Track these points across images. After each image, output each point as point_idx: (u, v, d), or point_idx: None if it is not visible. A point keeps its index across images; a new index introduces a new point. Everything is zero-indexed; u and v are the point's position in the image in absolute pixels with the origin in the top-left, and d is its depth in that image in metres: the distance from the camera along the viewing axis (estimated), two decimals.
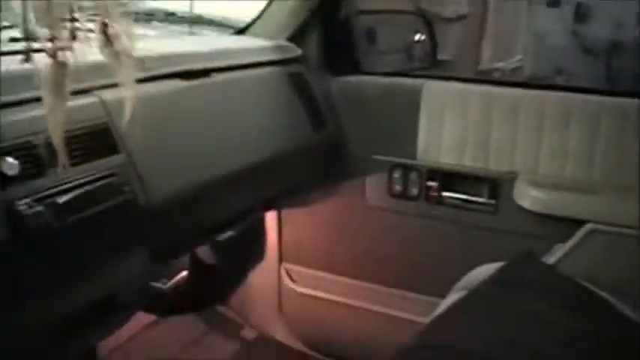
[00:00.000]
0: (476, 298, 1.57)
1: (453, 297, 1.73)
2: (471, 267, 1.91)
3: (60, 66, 0.91)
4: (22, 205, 1.13)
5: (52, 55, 0.89)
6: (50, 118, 0.95)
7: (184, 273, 2.37)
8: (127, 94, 1.00)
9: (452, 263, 1.99)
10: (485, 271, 1.80)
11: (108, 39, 0.92)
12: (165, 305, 2.39)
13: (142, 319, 2.40)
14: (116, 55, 0.94)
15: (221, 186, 1.66)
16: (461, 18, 5.34)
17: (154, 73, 1.57)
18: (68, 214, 1.20)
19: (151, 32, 2.42)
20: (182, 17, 2.52)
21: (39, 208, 1.14)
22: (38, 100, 1.02)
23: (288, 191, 2.15)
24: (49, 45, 0.89)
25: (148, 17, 2.46)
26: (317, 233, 2.35)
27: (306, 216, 2.35)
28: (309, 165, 2.13)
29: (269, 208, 2.25)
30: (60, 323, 1.30)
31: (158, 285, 2.20)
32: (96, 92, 1.35)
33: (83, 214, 1.23)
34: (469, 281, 1.82)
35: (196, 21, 2.45)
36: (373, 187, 2.18)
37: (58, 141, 1.02)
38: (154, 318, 2.48)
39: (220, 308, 2.63)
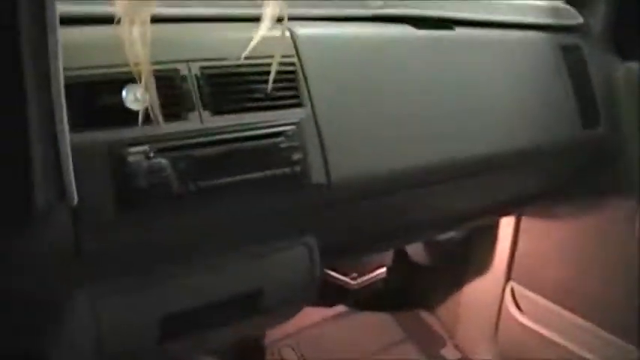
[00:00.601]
0: None
1: None
2: None
3: None
4: (139, 154, 0.87)
5: None
6: (126, 25, 0.68)
7: (383, 269, 2.07)
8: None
9: None
10: None
11: None
12: (353, 301, 2.19)
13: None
14: None
15: (439, 176, 1.30)
16: None
17: (375, 12, 1.25)
18: (210, 176, 0.93)
19: None
20: None
21: (162, 161, 0.88)
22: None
23: (534, 196, 1.77)
24: None
25: None
26: (560, 255, 1.95)
27: (552, 231, 1.95)
28: (569, 168, 1.72)
29: (505, 212, 1.90)
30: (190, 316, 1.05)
31: (345, 279, 1.98)
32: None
33: (232, 178, 0.95)
34: None
35: None
36: None
37: (141, 71, 0.75)
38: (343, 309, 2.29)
39: (424, 315, 2.37)
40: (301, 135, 1.03)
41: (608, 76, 1.71)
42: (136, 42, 0.71)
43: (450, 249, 2.10)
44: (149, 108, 0.82)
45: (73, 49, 0.79)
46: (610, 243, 1.80)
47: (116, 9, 0.72)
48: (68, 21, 0.86)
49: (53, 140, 0.72)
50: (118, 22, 0.90)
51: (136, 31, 0.70)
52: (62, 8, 0.70)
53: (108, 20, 0.92)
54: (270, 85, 0.97)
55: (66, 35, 0.71)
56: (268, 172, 0.98)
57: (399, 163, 1.19)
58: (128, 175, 0.85)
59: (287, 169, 1.00)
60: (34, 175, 0.71)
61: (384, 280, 2.15)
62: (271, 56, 0.95)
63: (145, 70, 0.76)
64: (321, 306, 2.16)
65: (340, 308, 2.25)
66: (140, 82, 0.78)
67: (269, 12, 0.78)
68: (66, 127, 0.72)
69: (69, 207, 0.80)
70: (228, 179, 0.94)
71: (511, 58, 1.48)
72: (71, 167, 0.73)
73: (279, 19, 0.83)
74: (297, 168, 1.02)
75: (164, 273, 0.98)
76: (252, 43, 0.85)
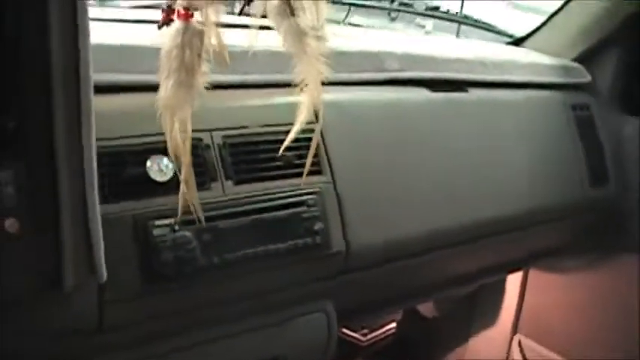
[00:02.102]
0: None
1: None
2: None
3: (194, 33, 0.59)
4: (162, 227, 0.86)
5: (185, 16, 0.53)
6: (167, 105, 0.68)
7: (393, 324, 2.02)
8: (312, 94, 0.75)
9: None
10: None
11: (289, 8, 0.55)
12: (364, 357, 2.11)
13: None
14: (298, 33, 0.56)
15: (454, 239, 1.29)
16: None
17: (392, 75, 1.25)
18: (233, 248, 0.92)
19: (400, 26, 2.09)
20: (446, 14, 2.10)
21: (187, 234, 0.87)
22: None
23: (543, 253, 1.75)
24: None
25: (404, 9, 2.09)
26: (567, 309, 1.93)
27: (559, 285, 1.94)
28: (577, 226, 1.69)
29: (514, 269, 1.86)
30: None
31: (356, 335, 1.93)
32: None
33: (255, 249, 0.94)
34: None
35: (463, 21, 2.02)
36: None
37: (178, 144, 0.74)
38: None
39: None
40: (322, 203, 1.03)
41: (617, 133, 1.70)
42: (176, 133, 0.71)
43: (458, 302, 2.06)
44: (187, 197, 0.82)
45: (98, 118, 0.79)
46: (616, 298, 1.79)
47: (159, 103, 0.71)
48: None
49: (84, 217, 0.71)
50: (141, 90, 0.90)
51: (176, 125, 0.70)
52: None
53: (130, 89, 0.93)
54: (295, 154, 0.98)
55: None
56: (290, 243, 0.97)
57: (415, 228, 1.19)
58: (154, 249, 0.85)
59: (308, 240, 0.99)
60: (64, 251, 0.70)
61: (394, 335, 2.11)
62: (291, 124, 0.93)
63: (186, 160, 0.75)
64: None
65: None
66: (179, 172, 0.78)
67: (308, 98, 0.77)
68: (97, 201, 0.71)
69: (95, 282, 0.80)
70: (251, 250, 0.93)
71: (522, 117, 1.48)
72: (102, 244, 0.73)
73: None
74: (318, 238, 1.01)
75: (184, 341, 0.97)
76: (303, 114, 0.83)
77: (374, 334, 1.99)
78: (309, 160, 0.90)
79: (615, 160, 1.68)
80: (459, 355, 2.21)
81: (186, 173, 0.75)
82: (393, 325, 2.08)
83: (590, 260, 1.83)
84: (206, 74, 0.69)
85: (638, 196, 1.68)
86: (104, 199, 0.80)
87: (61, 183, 0.69)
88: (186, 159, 0.74)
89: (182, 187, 0.79)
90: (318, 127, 0.89)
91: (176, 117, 0.69)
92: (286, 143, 0.90)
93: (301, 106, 0.82)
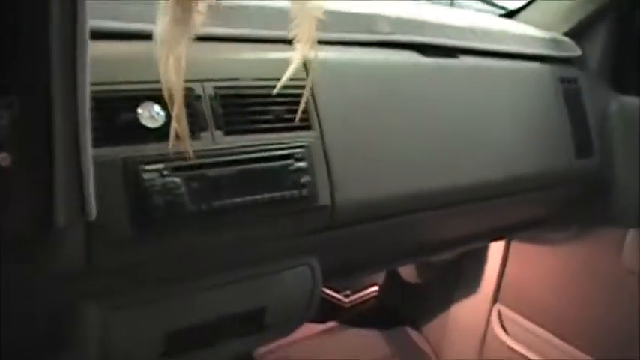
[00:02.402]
0: None
1: None
2: None
3: None
4: (152, 172, 0.87)
5: None
6: (163, 41, 0.68)
7: (375, 287, 2.04)
8: (304, 45, 0.75)
9: None
10: None
11: None
12: (345, 318, 2.10)
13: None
14: None
15: (439, 201, 1.30)
16: None
17: (383, 38, 1.25)
18: (221, 196, 0.93)
19: None
20: None
21: (176, 180, 0.88)
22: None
23: (526, 223, 1.76)
24: None
25: None
26: (548, 280, 1.96)
27: (540, 256, 1.96)
28: (561, 197, 1.70)
29: (497, 237, 1.89)
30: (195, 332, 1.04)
31: (338, 296, 1.91)
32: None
33: (242, 199, 0.96)
34: None
35: None
36: (634, 244, 1.72)
37: (172, 93, 0.75)
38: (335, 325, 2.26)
39: (412, 333, 2.35)
40: (310, 158, 1.04)
41: (604, 108, 1.71)
42: (171, 69, 0.72)
43: (441, 269, 2.08)
44: (179, 134, 0.83)
45: (91, 63, 0.80)
46: (597, 270, 1.81)
47: (156, 37, 0.72)
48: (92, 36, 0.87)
49: (76, 156, 0.72)
50: (136, 37, 0.91)
51: (171, 59, 0.71)
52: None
53: (124, 36, 0.94)
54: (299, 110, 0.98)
55: None
56: (277, 195, 0.99)
57: (401, 188, 1.20)
58: (143, 193, 0.86)
59: (295, 192, 1.01)
60: (56, 190, 0.71)
61: (376, 298, 2.13)
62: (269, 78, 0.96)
63: (178, 99, 0.76)
64: (313, 322, 2.14)
65: (330, 324, 2.23)
66: (171, 109, 0.78)
67: (301, 46, 0.78)
68: (89, 143, 0.72)
69: (84, 223, 0.81)
70: (239, 200, 0.94)
71: (510, 87, 1.49)
72: (92, 182, 0.73)
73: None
74: (304, 191, 1.02)
75: (172, 289, 0.98)
76: (292, 67, 0.85)
77: (356, 296, 2.01)
78: (300, 107, 0.92)
79: (601, 134, 1.69)
80: (440, 323, 2.24)
81: (178, 111, 0.76)
82: (376, 288, 2.11)
83: (573, 232, 1.85)
84: (201, 13, 0.69)
85: (621, 169, 1.70)
86: (95, 143, 0.79)
87: (55, 121, 0.69)
88: (178, 98, 0.75)
89: (173, 124, 0.80)
90: (309, 79, 0.90)
91: (171, 53, 0.70)
92: (276, 89, 0.91)
93: (293, 57, 0.82)
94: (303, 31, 0.78)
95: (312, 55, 0.82)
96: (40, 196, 0.72)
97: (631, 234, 1.72)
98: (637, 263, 1.71)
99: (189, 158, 0.86)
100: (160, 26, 0.70)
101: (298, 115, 0.96)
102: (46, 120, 0.69)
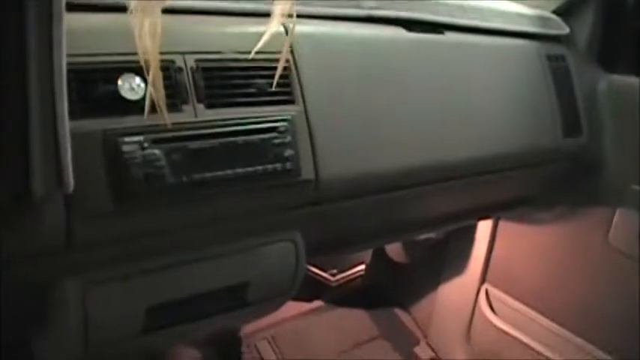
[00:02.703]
0: None
1: None
2: None
3: None
4: (132, 144, 0.86)
5: None
6: (139, 19, 0.67)
7: (362, 266, 2.04)
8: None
9: None
10: None
11: None
12: (331, 297, 2.09)
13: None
14: None
15: (424, 178, 1.30)
16: None
17: (368, 13, 1.25)
18: (202, 169, 0.93)
19: None
20: None
21: (156, 152, 0.87)
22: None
23: (513, 201, 1.76)
24: None
25: None
26: (535, 260, 1.95)
27: (528, 236, 1.95)
28: (549, 175, 1.70)
29: (484, 216, 1.87)
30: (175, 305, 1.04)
31: (325, 275, 1.89)
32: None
33: (223, 172, 0.95)
34: None
35: None
36: (621, 224, 1.70)
37: (149, 64, 0.74)
38: (321, 304, 2.26)
39: (399, 313, 2.36)
40: (293, 132, 1.03)
41: (591, 87, 1.70)
42: (146, 35, 0.71)
43: (428, 248, 2.08)
44: (155, 102, 0.81)
45: (71, 35, 0.76)
46: (585, 250, 1.80)
47: (131, 3, 0.71)
48: (69, 7, 0.86)
49: (53, 126, 0.71)
50: (118, 10, 0.89)
51: (147, 24, 0.70)
52: None
53: (104, 8, 0.92)
54: (275, 81, 0.97)
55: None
56: (259, 168, 0.98)
57: (385, 163, 1.19)
58: (123, 165, 0.85)
59: (278, 165, 1.00)
60: (33, 160, 0.70)
61: (362, 277, 2.13)
62: (266, 52, 0.93)
63: (154, 64, 0.75)
64: (299, 300, 2.14)
65: (317, 303, 2.23)
66: (147, 74, 0.77)
67: (279, 8, 0.77)
68: (66, 112, 0.71)
69: (63, 195, 0.80)
70: (220, 172, 0.94)
71: (497, 64, 1.47)
72: (69, 153, 0.72)
73: (289, 16, 0.82)
74: (288, 164, 1.01)
75: (152, 264, 0.97)
76: (264, 38, 0.84)
77: (343, 275, 2.01)
78: (277, 74, 0.92)
79: (589, 113, 1.68)
80: (427, 303, 2.25)
81: (154, 77, 0.75)
82: (362, 267, 2.10)
83: (560, 212, 1.85)
84: None
85: (610, 148, 1.70)
86: (74, 115, 0.79)
87: (31, 90, 0.68)
88: (154, 64, 0.74)
89: (149, 90, 0.79)
90: (285, 46, 0.89)
91: (147, 17, 0.69)
92: (251, 55, 0.91)
93: (272, 16, 0.81)
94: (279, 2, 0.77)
95: (290, 25, 0.81)
96: (17, 169, 0.71)
97: (619, 213, 1.71)
98: (624, 243, 1.70)
99: (171, 130, 0.85)
100: None
101: (275, 84, 0.95)
102: (21, 90, 0.68)
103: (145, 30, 0.70)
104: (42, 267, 0.89)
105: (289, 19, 0.81)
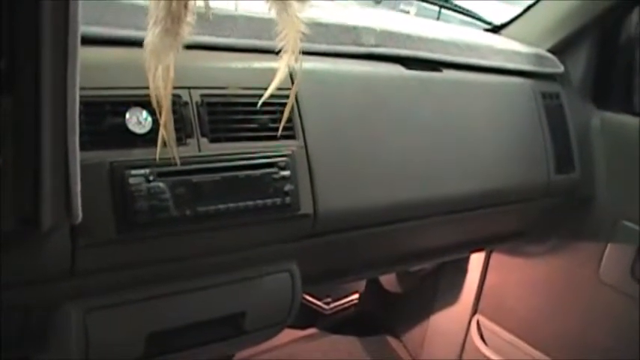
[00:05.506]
0: None
1: None
2: None
3: None
4: (138, 177, 0.88)
5: None
6: (153, 51, 0.69)
7: (356, 295, 2.05)
8: (289, 56, 0.76)
9: None
10: None
11: None
12: (325, 324, 2.09)
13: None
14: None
15: (419, 212, 1.33)
16: None
17: (368, 50, 1.27)
18: (205, 202, 0.95)
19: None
20: None
21: (161, 185, 0.89)
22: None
23: (506, 234, 1.78)
24: None
25: None
26: (527, 292, 1.95)
27: (520, 268, 1.96)
28: (541, 210, 1.72)
29: (477, 249, 1.90)
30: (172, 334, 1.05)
31: (319, 303, 1.90)
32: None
33: (226, 205, 0.97)
34: None
35: (444, 5, 2.00)
36: (613, 259, 1.72)
37: (160, 101, 0.76)
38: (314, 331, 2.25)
39: (391, 341, 2.35)
40: (293, 166, 1.05)
41: (584, 123, 1.73)
42: (159, 78, 0.73)
43: (421, 279, 2.08)
44: (166, 141, 0.83)
45: (80, 68, 0.79)
46: (575, 283, 1.81)
47: (146, 47, 0.73)
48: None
49: (64, 158, 0.73)
50: (125, 44, 0.92)
51: (161, 68, 0.72)
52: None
53: (111, 42, 0.95)
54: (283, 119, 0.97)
55: None
56: (259, 202, 1.00)
57: (382, 198, 1.22)
58: (129, 197, 0.87)
59: (277, 200, 1.02)
60: (43, 191, 0.71)
61: (356, 306, 2.13)
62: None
63: (166, 105, 0.78)
64: (294, 327, 2.14)
65: (311, 330, 2.23)
66: (159, 114, 0.79)
67: (291, 46, 0.79)
68: (77, 146, 0.73)
69: (69, 225, 0.82)
70: (222, 206, 0.96)
71: (493, 101, 1.50)
72: (79, 185, 0.74)
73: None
74: (287, 199, 1.04)
75: (153, 292, 0.99)
76: (278, 77, 0.85)
77: (337, 304, 2.01)
78: (285, 116, 0.93)
79: (581, 149, 1.71)
80: (420, 332, 2.24)
81: (166, 118, 0.77)
82: (356, 296, 2.11)
83: (552, 246, 1.86)
84: (190, 24, 0.71)
85: (602, 185, 1.72)
86: (82, 147, 0.80)
87: (44, 123, 0.70)
88: (166, 106, 0.76)
89: (161, 130, 0.81)
90: (293, 90, 0.92)
91: (160, 62, 0.71)
92: (263, 99, 0.91)
93: (279, 67, 0.83)
94: (289, 42, 0.79)
95: (297, 65, 0.84)
96: (27, 198, 0.72)
97: (609, 248, 1.72)
98: (615, 278, 1.72)
99: (176, 164, 0.87)
100: (149, 36, 0.71)
101: (282, 125, 0.97)
102: (35, 122, 0.70)
103: (159, 74, 0.72)
104: (45, 292, 0.91)
105: (296, 63, 0.83)
